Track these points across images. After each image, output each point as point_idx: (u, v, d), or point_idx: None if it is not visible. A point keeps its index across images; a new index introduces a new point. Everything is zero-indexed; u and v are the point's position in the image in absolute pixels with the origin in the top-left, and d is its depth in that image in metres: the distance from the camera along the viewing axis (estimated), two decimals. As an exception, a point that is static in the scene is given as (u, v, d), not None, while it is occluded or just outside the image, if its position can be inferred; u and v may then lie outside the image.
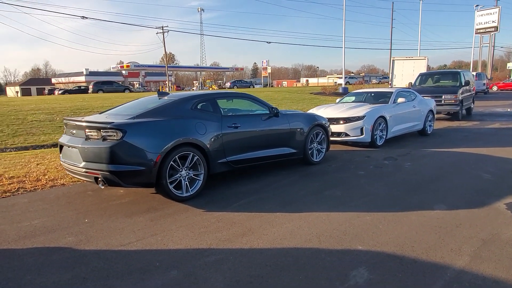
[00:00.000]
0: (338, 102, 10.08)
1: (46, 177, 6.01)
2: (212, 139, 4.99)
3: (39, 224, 4.02)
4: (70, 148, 4.58)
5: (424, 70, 22.14)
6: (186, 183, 4.72)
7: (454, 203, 4.35)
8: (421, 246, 3.23)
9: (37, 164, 6.98)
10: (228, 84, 49.46)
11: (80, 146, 4.39)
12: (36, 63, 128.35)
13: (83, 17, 33.10)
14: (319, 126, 6.69)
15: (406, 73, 23.59)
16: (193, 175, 4.82)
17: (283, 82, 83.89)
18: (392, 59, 24.28)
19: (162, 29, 51.86)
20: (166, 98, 5.32)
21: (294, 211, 4.23)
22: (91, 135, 4.37)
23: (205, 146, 4.86)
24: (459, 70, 14.75)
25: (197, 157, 4.79)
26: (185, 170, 4.71)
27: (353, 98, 10.04)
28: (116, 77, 66.73)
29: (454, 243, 3.27)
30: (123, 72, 65.83)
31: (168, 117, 4.73)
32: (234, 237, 3.53)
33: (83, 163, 4.37)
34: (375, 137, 8.25)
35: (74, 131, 4.66)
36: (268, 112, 5.96)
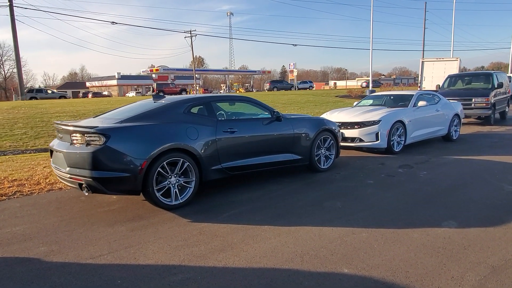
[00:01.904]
0: (355, 106, 9.59)
1: (47, 180, 5.96)
2: (205, 145, 4.74)
3: (20, 231, 3.90)
4: (58, 152, 4.46)
5: (455, 72, 21.03)
6: (176, 191, 4.49)
7: (467, 220, 3.86)
8: (417, 271, 2.82)
9: (44, 167, 6.98)
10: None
11: (65, 151, 4.26)
12: (73, 68, 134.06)
13: (113, 22, 34.04)
14: (327, 131, 6.30)
15: (436, 75, 22.50)
16: (184, 182, 4.58)
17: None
18: (421, 60, 23.23)
19: (190, 33, 52.61)
20: (161, 101, 5.12)
21: (284, 224, 3.89)
22: (76, 139, 4.23)
23: (196, 152, 4.61)
24: (492, 72, 13.81)
25: (188, 163, 4.55)
26: (175, 177, 4.48)
27: (370, 102, 9.52)
28: (146, 81, 68.42)
29: (457, 269, 2.83)
30: (153, 75, 67.34)
31: (157, 122, 4.53)
32: (210, 253, 3.24)
33: (68, 169, 4.23)
34: (392, 142, 7.73)
35: (61, 136, 4.54)
36: (269, 116, 5.64)
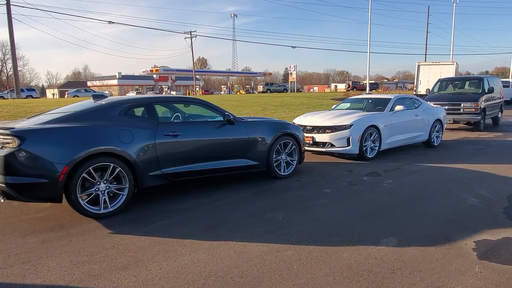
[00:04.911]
0: (332, 109, 9.24)
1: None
2: (141, 149, 4.40)
3: None
4: (-22, 155, 4.14)
5: (452, 76, 20.58)
6: (105, 198, 4.16)
7: (409, 237, 3.50)
8: (327, 300, 2.46)
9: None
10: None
11: (-19, 154, 3.94)
12: (76, 67, 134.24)
13: (110, 22, 33.85)
14: (288, 135, 5.94)
15: (432, 79, 21.99)
16: (116, 189, 4.25)
17: (314, 88, 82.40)
18: (417, 64, 22.80)
19: (190, 34, 52.45)
20: (100, 102, 4.80)
21: (210, 238, 3.55)
22: (-8, 142, 3.91)
23: (129, 157, 4.28)
24: (483, 76, 13.37)
25: (120, 169, 4.22)
26: (105, 184, 4.16)
27: (348, 105, 9.16)
28: (147, 81, 68.32)
29: (373, 299, 2.47)
30: (154, 76, 67.21)
31: (86, 123, 4.20)
32: (109, 272, 2.90)
33: (-17, 173, 3.91)
34: (364, 148, 7.36)
35: (-17, 137, 4.23)
36: (221, 119, 5.30)
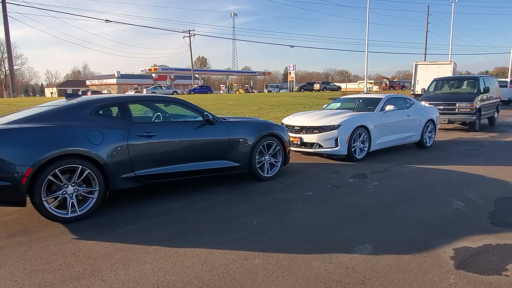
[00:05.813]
0: (322, 109, 9.06)
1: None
2: (112, 150, 4.23)
3: None
4: None
5: (449, 75, 20.40)
6: (73, 202, 3.99)
7: (386, 244, 3.32)
8: (286, 315, 2.29)
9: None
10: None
11: None
12: (76, 66, 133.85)
13: (107, 20, 33.68)
14: (271, 136, 5.77)
15: (429, 79, 21.74)
16: (85, 192, 4.08)
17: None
18: (414, 63, 22.63)
19: (189, 33, 52.30)
20: (72, 101, 4.62)
21: (177, 244, 3.38)
22: (-48, 143, 3.74)
23: (100, 158, 4.10)
24: (478, 76, 13.19)
25: (89, 171, 4.04)
26: (73, 186, 3.98)
27: (338, 105, 8.98)
28: (146, 80, 68.13)
29: (337, 313, 2.30)
30: (153, 75, 67.06)
31: (53, 124, 4.03)
32: (61, 282, 2.73)
33: None
34: (353, 149, 7.18)
35: None
36: (200, 119, 5.12)
